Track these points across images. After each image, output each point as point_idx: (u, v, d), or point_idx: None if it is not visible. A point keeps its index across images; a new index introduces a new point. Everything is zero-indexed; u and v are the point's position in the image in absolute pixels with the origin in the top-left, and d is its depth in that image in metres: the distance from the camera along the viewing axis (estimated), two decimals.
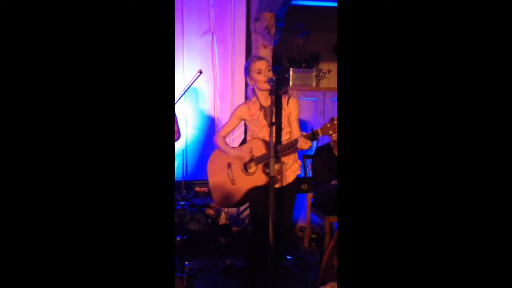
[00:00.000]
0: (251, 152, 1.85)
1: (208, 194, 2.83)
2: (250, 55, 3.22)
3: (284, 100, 1.89)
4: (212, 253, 2.69)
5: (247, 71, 1.87)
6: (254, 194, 1.87)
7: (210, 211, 2.98)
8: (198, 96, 3.25)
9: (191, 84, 1.78)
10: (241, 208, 3.13)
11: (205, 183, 2.86)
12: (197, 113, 3.25)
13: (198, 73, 1.75)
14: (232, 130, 2.01)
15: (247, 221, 3.12)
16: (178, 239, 2.24)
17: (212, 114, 3.29)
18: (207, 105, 3.28)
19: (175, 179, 3.01)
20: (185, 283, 2.11)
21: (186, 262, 2.30)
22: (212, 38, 3.20)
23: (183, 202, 2.39)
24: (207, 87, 3.24)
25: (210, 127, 3.28)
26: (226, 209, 3.12)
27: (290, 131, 1.88)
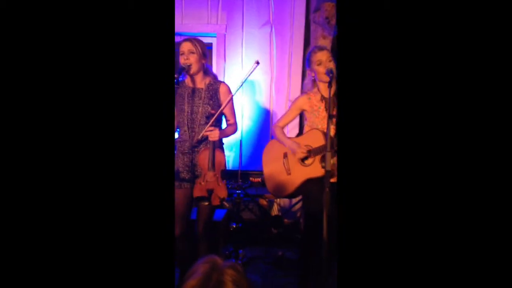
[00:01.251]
0: (307, 147, 1.83)
1: (262, 184, 2.87)
2: (308, 46, 3.16)
3: None
4: (264, 243, 2.74)
5: (308, 62, 1.85)
6: (309, 186, 1.86)
7: (263, 202, 3.03)
8: (254, 88, 3.29)
9: (249, 76, 1.80)
10: (294, 201, 3.13)
11: (260, 173, 2.91)
12: (253, 105, 3.30)
13: (255, 64, 1.76)
14: (291, 120, 2.01)
15: (299, 214, 3.11)
16: (234, 226, 2.32)
17: (267, 106, 3.31)
18: (263, 97, 3.30)
19: (232, 169, 3.11)
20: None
21: (240, 250, 2.37)
22: (271, 30, 3.20)
23: (239, 191, 2.46)
24: (263, 79, 3.26)
25: (266, 118, 3.30)
26: (278, 201, 3.14)
27: None
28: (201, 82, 1.88)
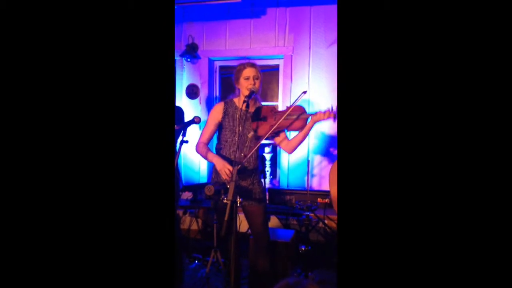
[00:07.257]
0: None
1: (330, 206, 2.78)
2: None
3: None
4: (334, 266, 2.62)
5: None
6: None
7: (332, 224, 2.92)
8: (320, 107, 3.26)
9: (295, 103, 1.85)
10: None
11: (327, 194, 2.83)
12: (320, 124, 3.26)
13: (302, 93, 1.82)
14: None
15: None
16: (303, 248, 2.27)
17: (335, 124, 3.24)
18: None
19: (300, 188, 3.08)
20: None
21: (310, 272, 2.31)
22: None
23: (308, 212, 2.41)
24: (331, 96, 3.22)
25: (333, 137, 3.23)
26: None
27: None
28: (252, 107, 1.97)
